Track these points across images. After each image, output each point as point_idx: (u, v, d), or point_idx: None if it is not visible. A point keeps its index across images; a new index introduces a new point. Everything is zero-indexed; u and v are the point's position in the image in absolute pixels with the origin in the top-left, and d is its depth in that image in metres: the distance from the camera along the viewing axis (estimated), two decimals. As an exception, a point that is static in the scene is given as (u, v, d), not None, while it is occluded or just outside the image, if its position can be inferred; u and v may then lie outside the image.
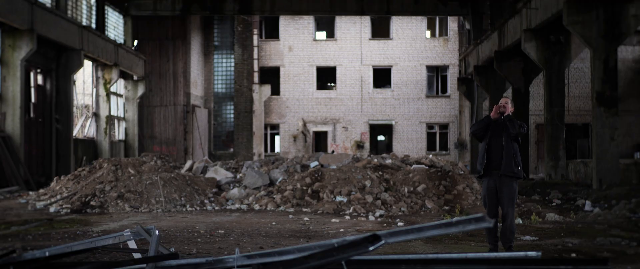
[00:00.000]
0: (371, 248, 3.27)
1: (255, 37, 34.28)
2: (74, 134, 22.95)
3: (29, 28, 18.29)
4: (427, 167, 15.53)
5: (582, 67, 31.70)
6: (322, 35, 35.56)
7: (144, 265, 3.95)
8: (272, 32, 35.36)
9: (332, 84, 35.67)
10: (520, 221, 10.37)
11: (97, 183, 14.29)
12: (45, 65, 20.93)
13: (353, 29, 34.75)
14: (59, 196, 14.19)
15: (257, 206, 13.35)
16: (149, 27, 31.17)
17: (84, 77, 25.31)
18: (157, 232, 4.29)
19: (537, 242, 8.10)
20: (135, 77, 28.70)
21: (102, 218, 11.41)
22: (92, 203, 13.06)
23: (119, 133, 28.23)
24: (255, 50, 34.31)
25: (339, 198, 13.01)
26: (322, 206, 12.86)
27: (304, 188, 13.84)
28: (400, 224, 10.60)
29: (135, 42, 30.67)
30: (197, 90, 33.30)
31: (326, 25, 35.33)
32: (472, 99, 29.90)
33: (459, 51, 34.07)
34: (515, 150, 7.00)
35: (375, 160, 16.77)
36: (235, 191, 14.50)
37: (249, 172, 15.42)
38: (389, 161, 16.96)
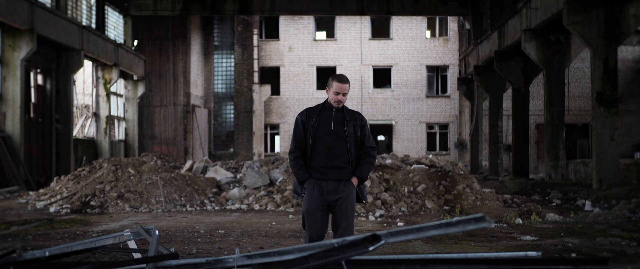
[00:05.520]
0: (371, 248, 3.27)
1: (255, 37, 34.29)
2: (74, 134, 22.95)
3: (29, 28, 18.28)
4: (427, 167, 15.53)
5: (582, 67, 31.69)
6: (322, 35, 35.57)
7: (144, 265, 3.95)
8: (272, 32, 35.36)
9: (332, 84, 35.64)
10: (520, 221, 10.37)
11: (97, 183, 14.28)
12: (45, 65, 20.93)
13: (353, 29, 34.76)
14: (59, 196, 14.19)
15: (257, 206, 13.35)
16: (149, 27, 31.18)
17: (84, 77, 25.31)
18: (157, 232, 4.29)
19: (537, 242, 8.10)
20: (135, 77, 28.70)
21: (102, 218, 11.41)
22: (92, 203, 13.06)
23: (119, 133, 28.23)
24: (255, 50, 34.31)
25: (339, 198, 13.00)
26: (322, 206, 12.83)
27: (304, 188, 13.82)
28: (400, 224, 10.60)
29: (135, 42, 30.67)
30: (197, 90, 33.30)
31: (326, 25, 35.33)
32: (472, 99, 29.90)
33: (459, 51, 34.07)
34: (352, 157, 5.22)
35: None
36: (235, 191, 14.50)
37: (249, 172, 15.41)
38: (389, 161, 16.96)
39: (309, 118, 5.25)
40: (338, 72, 34.71)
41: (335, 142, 5.18)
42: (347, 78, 5.26)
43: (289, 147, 5.34)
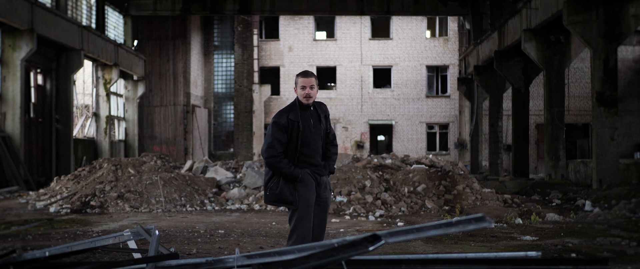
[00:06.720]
0: (371, 248, 3.27)
1: (255, 37, 34.30)
2: (74, 134, 22.95)
3: (29, 28, 18.29)
4: (427, 167, 15.53)
5: (582, 67, 31.70)
6: (322, 35, 35.58)
7: (144, 265, 3.95)
8: (272, 32, 35.37)
9: (332, 84, 35.68)
10: (520, 221, 10.37)
11: (97, 183, 14.28)
12: (45, 65, 20.93)
13: (353, 29, 34.77)
14: (59, 196, 14.19)
15: (257, 206, 13.35)
16: (149, 27, 31.19)
17: (84, 77, 25.31)
18: (157, 232, 4.29)
19: (537, 242, 8.10)
20: (135, 77, 28.70)
21: (102, 218, 11.41)
22: (92, 203, 13.06)
23: (119, 133, 28.23)
24: (255, 50, 34.31)
25: (339, 198, 13.01)
26: (322, 206, 12.82)
27: (304, 188, 13.80)
28: (400, 224, 10.60)
29: (135, 42, 30.68)
30: (197, 90, 33.31)
31: (326, 25, 35.33)
32: (472, 99, 29.91)
33: (459, 51, 34.08)
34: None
35: (375, 160, 16.77)
36: (235, 191, 14.50)
37: (249, 172, 15.42)
38: (389, 161, 16.96)
39: (291, 122, 5.04)
40: (338, 72, 34.76)
41: (317, 143, 5.13)
42: (312, 73, 5.11)
43: (268, 152, 5.01)
